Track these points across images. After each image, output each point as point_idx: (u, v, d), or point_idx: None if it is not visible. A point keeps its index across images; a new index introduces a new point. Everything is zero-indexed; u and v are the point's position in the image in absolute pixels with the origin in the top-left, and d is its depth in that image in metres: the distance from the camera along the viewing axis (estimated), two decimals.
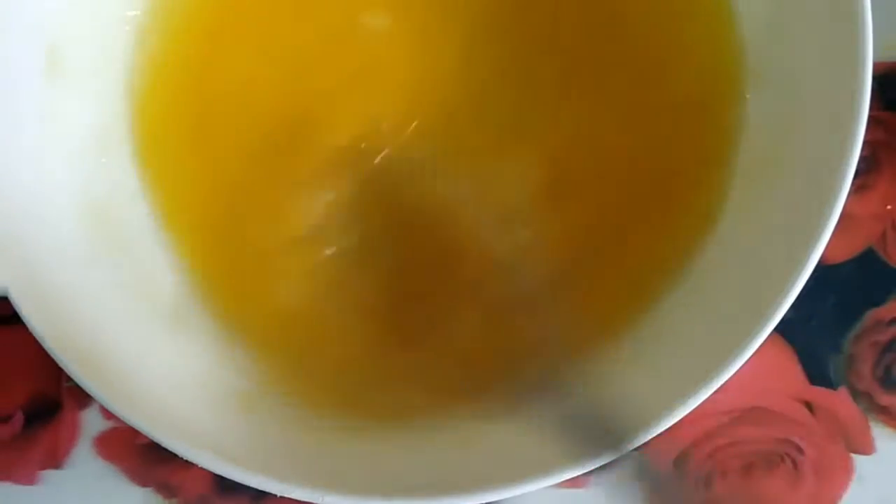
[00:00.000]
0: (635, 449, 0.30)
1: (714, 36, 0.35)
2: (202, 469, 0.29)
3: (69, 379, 0.29)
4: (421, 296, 0.35)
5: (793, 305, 0.30)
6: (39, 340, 0.29)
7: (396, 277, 0.35)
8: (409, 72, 0.36)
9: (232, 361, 0.35)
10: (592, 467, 0.29)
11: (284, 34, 0.36)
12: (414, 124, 0.35)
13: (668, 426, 0.29)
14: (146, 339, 0.33)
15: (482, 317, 0.35)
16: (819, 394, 0.37)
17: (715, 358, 0.30)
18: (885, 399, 0.37)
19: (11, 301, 0.29)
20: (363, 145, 0.35)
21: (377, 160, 0.35)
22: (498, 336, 0.35)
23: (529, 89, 0.36)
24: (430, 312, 0.35)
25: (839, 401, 0.37)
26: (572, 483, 0.36)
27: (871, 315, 0.37)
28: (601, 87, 0.36)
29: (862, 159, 0.31)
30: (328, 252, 0.35)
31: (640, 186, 0.35)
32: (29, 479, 0.36)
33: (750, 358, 0.30)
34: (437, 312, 0.35)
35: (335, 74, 0.36)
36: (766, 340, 0.30)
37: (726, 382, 0.30)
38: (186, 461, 0.29)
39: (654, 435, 0.29)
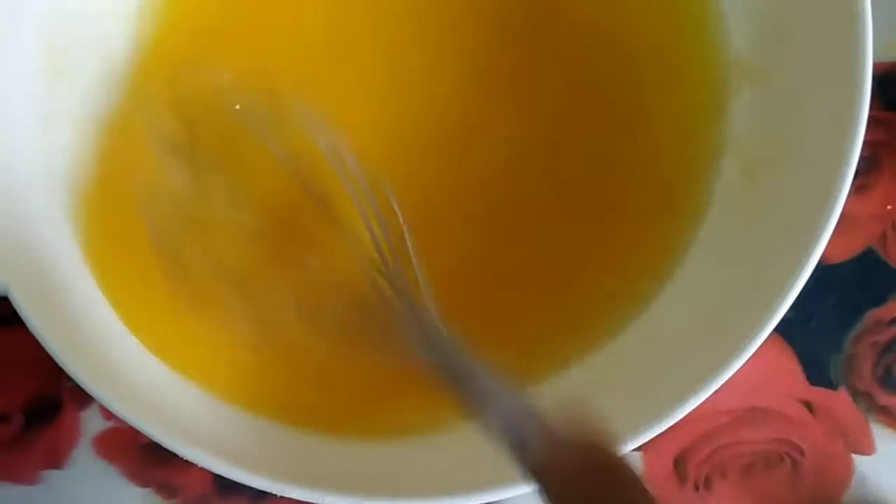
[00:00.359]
0: (635, 449, 0.30)
1: (704, 49, 0.35)
2: (202, 469, 0.29)
3: (69, 379, 0.29)
4: None
5: (793, 305, 0.30)
6: (39, 340, 0.29)
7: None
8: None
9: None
10: None
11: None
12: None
13: (667, 426, 0.29)
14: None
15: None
16: (819, 394, 0.37)
17: (715, 358, 0.30)
18: (885, 399, 0.37)
19: (11, 301, 0.29)
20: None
21: None
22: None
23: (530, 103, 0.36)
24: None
25: (839, 401, 0.37)
26: None
27: (871, 315, 0.37)
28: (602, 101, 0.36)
29: (862, 159, 0.31)
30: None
31: (632, 190, 0.35)
32: (29, 480, 0.36)
33: (750, 358, 0.30)
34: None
35: None
36: (766, 340, 0.30)
37: (726, 382, 0.30)
38: (186, 461, 0.29)
39: (654, 435, 0.29)
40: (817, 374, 0.37)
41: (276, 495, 0.29)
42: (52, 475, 0.36)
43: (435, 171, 0.35)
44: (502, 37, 0.35)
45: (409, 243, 0.31)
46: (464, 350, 0.26)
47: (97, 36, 0.35)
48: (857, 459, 0.37)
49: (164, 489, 0.36)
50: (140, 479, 0.36)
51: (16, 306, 0.29)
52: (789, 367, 0.37)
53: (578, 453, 0.21)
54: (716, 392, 0.30)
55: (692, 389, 0.30)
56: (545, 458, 0.21)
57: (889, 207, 0.38)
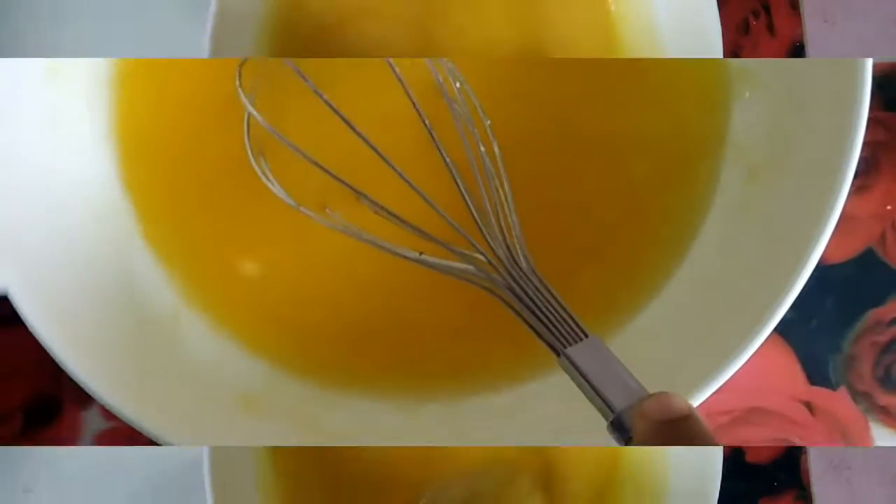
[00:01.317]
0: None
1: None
2: None
3: (69, 379, 0.29)
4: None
5: (793, 305, 0.30)
6: (39, 340, 0.29)
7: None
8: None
9: (232, 361, 0.35)
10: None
11: None
12: None
13: None
14: (146, 338, 0.34)
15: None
16: (819, 394, 0.37)
17: (715, 358, 0.30)
18: (885, 399, 0.37)
19: (11, 301, 0.29)
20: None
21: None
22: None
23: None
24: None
25: (839, 401, 0.37)
26: None
27: (871, 315, 0.38)
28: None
29: (862, 159, 0.31)
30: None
31: (632, 189, 0.35)
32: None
33: (750, 358, 0.30)
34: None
35: None
36: (766, 340, 0.30)
37: (726, 382, 0.30)
38: None
39: None
40: (817, 374, 0.37)
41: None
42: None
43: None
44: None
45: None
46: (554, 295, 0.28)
47: None
48: None
49: None
50: None
51: (16, 306, 0.29)
52: (789, 367, 0.37)
53: (658, 404, 0.24)
54: (716, 392, 0.30)
55: (692, 390, 0.30)
56: (631, 407, 0.25)
57: (889, 207, 0.38)
